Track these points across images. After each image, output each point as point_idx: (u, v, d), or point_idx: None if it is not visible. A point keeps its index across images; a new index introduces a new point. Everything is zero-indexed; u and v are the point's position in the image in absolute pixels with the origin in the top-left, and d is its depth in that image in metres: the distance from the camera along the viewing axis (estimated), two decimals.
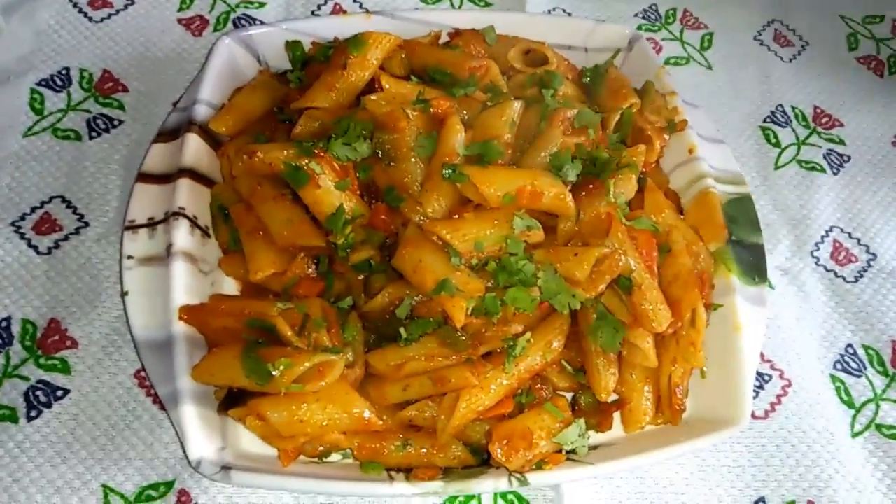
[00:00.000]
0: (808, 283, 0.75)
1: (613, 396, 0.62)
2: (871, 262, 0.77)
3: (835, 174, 0.82)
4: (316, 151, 0.61)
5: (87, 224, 0.70)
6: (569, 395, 0.64)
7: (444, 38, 0.74)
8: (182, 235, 0.63)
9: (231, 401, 0.59)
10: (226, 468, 0.56)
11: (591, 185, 0.63)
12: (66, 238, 0.70)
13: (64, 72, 0.77)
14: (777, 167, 0.82)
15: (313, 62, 0.70)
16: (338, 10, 0.79)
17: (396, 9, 0.77)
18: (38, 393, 0.64)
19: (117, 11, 0.80)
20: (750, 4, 0.93)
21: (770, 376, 0.70)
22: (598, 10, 0.90)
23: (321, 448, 0.59)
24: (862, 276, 0.77)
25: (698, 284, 0.63)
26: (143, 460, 0.62)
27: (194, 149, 0.66)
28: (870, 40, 0.92)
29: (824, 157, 0.83)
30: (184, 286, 0.61)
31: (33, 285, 0.68)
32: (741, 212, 0.69)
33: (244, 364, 0.57)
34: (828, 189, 0.81)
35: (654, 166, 0.71)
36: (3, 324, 0.69)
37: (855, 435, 0.68)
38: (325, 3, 0.87)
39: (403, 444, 0.59)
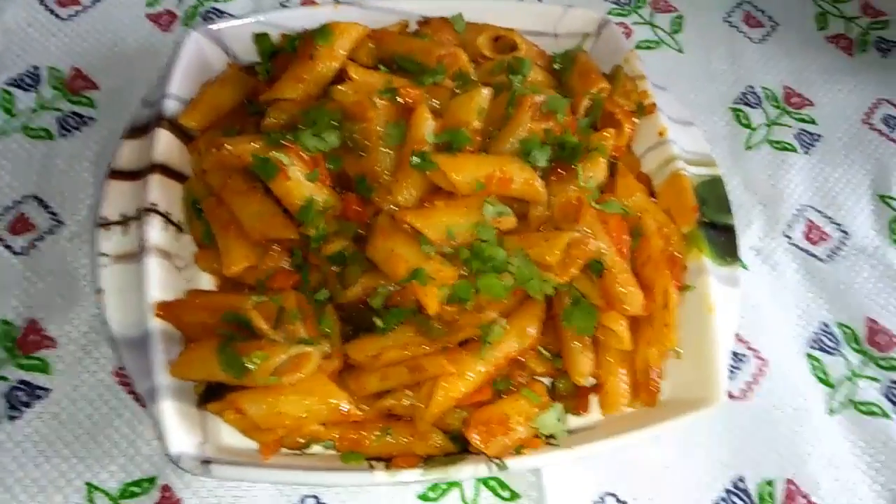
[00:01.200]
0: (781, 262, 0.76)
1: (590, 380, 0.62)
2: (845, 241, 0.78)
3: (806, 153, 0.82)
4: (285, 143, 0.61)
5: (61, 223, 0.70)
6: (547, 380, 0.64)
7: (412, 27, 0.74)
8: (155, 232, 0.63)
9: (210, 395, 0.60)
10: (206, 462, 0.56)
11: (561, 171, 0.64)
12: (40, 238, 0.70)
13: (33, 70, 0.76)
14: (748, 148, 0.82)
15: (281, 54, 0.70)
16: (307, 2, 0.79)
17: None
18: (19, 393, 0.64)
19: (85, 8, 0.80)
20: None
21: (746, 356, 0.70)
22: None
23: (301, 440, 0.60)
24: (835, 255, 0.77)
25: (670, 266, 0.64)
26: (126, 457, 0.63)
27: (165, 144, 0.66)
28: (839, 19, 0.92)
29: (795, 137, 0.83)
30: (158, 282, 0.61)
31: (10, 286, 0.68)
32: (712, 193, 0.69)
33: (220, 358, 0.57)
34: (799, 168, 0.81)
35: (626, 150, 0.71)
36: None
37: (832, 412, 0.69)
38: None
39: (383, 434, 0.59)
